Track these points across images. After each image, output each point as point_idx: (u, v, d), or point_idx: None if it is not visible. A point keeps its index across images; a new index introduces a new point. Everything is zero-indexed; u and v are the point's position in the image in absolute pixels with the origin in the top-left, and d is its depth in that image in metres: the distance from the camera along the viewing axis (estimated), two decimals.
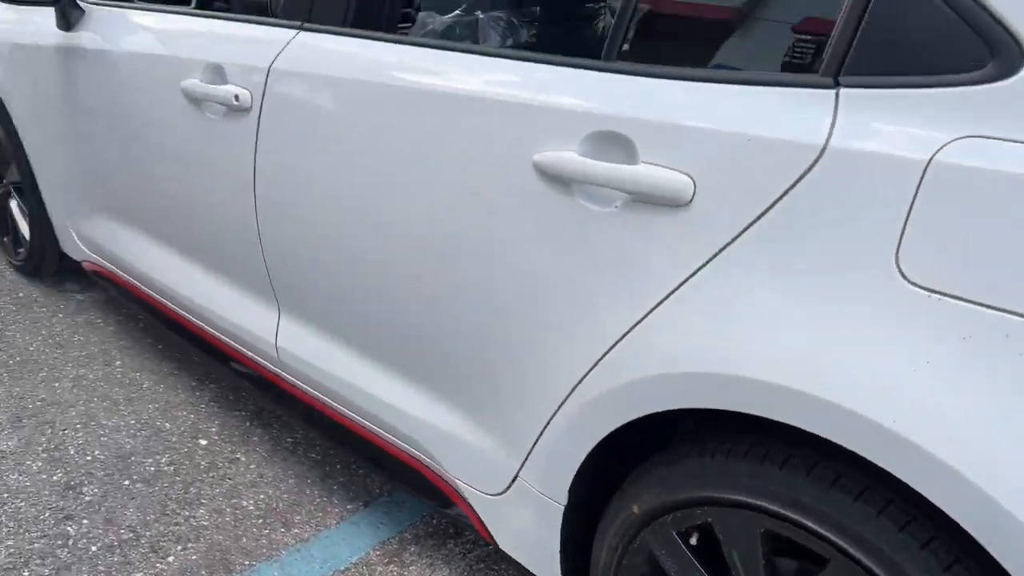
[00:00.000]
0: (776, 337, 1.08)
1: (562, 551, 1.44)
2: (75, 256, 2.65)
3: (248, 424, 2.29)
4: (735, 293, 1.12)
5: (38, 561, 1.80)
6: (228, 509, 1.97)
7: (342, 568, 1.82)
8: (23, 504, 1.95)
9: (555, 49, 1.38)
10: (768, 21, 1.50)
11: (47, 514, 1.93)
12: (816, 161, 1.05)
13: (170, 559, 1.82)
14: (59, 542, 1.85)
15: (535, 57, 1.38)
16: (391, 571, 1.82)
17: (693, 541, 1.24)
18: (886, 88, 1.02)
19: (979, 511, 0.91)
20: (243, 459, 2.15)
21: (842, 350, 1.03)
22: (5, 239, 3.02)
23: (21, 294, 2.91)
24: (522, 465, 1.47)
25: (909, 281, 0.98)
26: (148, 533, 1.89)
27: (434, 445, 1.63)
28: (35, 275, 2.97)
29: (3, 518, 1.90)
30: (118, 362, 2.55)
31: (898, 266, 0.99)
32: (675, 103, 1.18)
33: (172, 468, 2.10)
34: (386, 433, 1.74)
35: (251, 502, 2.00)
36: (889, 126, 1.01)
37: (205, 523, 1.93)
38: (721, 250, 1.13)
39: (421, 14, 1.83)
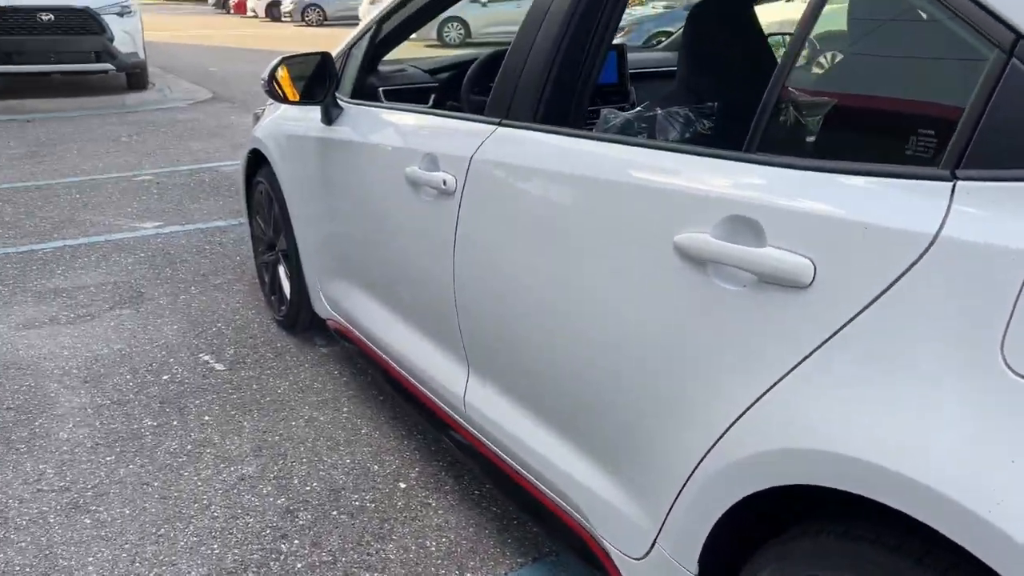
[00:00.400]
0: (885, 420, 1.09)
1: None
2: (321, 314, 3.08)
3: (443, 473, 2.51)
4: (849, 374, 1.15)
5: (255, 569, 2.10)
6: (414, 547, 2.19)
7: None
8: (251, 520, 2.30)
9: (725, 141, 1.49)
10: (899, 115, 1.50)
11: (268, 532, 2.25)
12: (927, 250, 1.07)
13: None
14: (273, 556, 2.16)
15: (687, 148, 1.50)
16: None
17: None
18: (1002, 181, 1.03)
19: None
20: (433, 504, 2.37)
21: (946, 436, 1.02)
22: (272, 298, 3.56)
23: (279, 344, 3.41)
24: (659, 532, 1.53)
25: (1013, 371, 0.97)
26: (344, 559, 2.14)
27: (590, 506, 1.73)
28: (291, 329, 3.47)
29: (235, 530, 2.25)
30: (345, 409, 2.91)
31: (1003, 355, 0.98)
32: (801, 191, 1.25)
33: (373, 505, 2.36)
34: (550, 492, 1.86)
35: (434, 544, 2.20)
36: (1001, 218, 1.02)
37: (392, 557, 2.15)
38: (836, 332, 1.17)
39: (604, 110, 2.01)
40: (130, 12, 9.70)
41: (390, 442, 2.69)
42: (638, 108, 2.01)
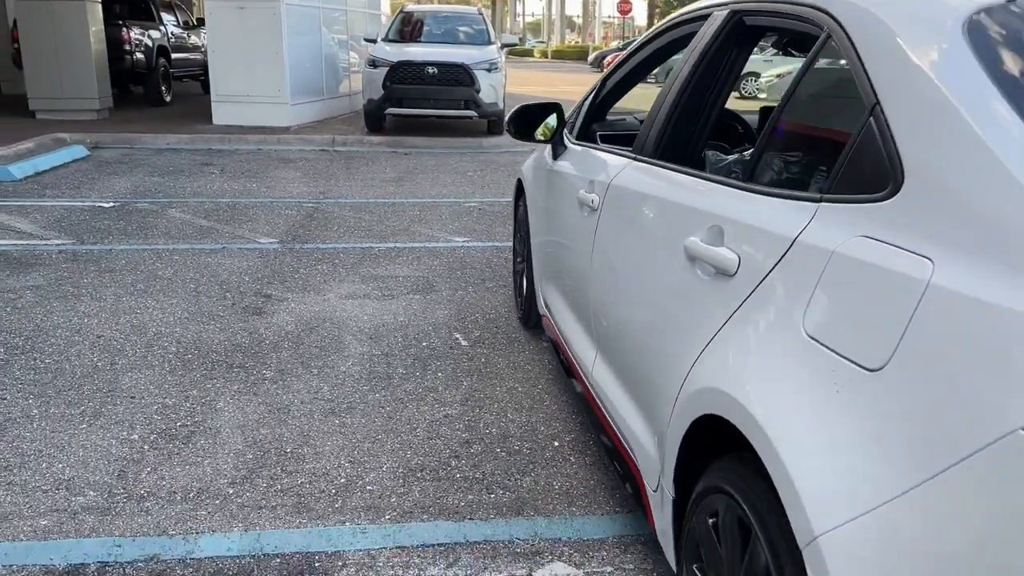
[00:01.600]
0: (740, 365, 1.55)
1: (675, 536, 1.94)
2: (540, 311, 3.82)
3: (590, 442, 3.09)
4: (737, 336, 1.61)
5: (430, 470, 2.88)
6: (543, 483, 2.81)
7: (587, 539, 2.50)
8: (439, 443, 3.08)
9: (797, 182, 1.93)
10: (810, 154, 1.85)
11: (447, 451, 3.02)
12: (788, 250, 1.51)
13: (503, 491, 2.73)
14: (443, 466, 2.92)
15: (716, 179, 1.99)
16: (613, 555, 2.43)
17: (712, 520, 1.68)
18: (843, 203, 1.45)
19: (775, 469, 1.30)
20: (573, 460, 2.97)
21: (763, 374, 1.46)
22: (518, 299, 4.39)
23: (513, 335, 4.21)
24: (661, 467, 2.01)
25: (807, 334, 1.39)
26: (489, 479, 2.83)
27: (639, 452, 2.24)
28: (525, 324, 4.25)
29: (426, 446, 3.05)
30: (539, 385, 3.60)
31: (804, 323, 1.41)
32: (742, 208, 1.72)
33: (528, 451, 3.02)
34: (625, 443, 2.39)
35: (559, 484, 2.80)
36: (830, 228, 1.44)
37: (524, 485, 2.79)
38: (738, 307, 1.63)
39: (709, 152, 2.50)
40: (496, 68, 11.43)
41: (561, 413, 3.33)
42: (739, 150, 2.48)
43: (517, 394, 3.52)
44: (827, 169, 1.68)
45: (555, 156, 3.48)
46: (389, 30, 12.51)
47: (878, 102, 1.43)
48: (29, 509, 2.58)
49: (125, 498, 2.66)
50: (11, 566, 2.30)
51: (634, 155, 2.56)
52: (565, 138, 3.47)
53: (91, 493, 2.68)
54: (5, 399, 3.34)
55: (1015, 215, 1.11)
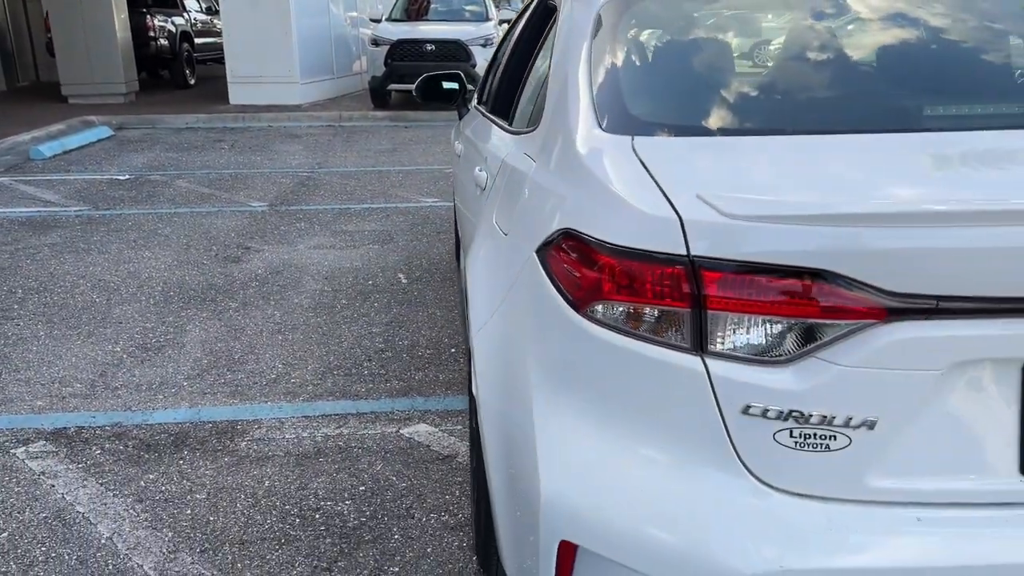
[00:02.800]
0: (474, 249, 2.24)
1: None
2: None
3: None
4: (479, 229, 2.30)
5: (346, 366, 3.61)
6: (434, 375, 3.52)
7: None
8: (360, 350, 3.81)
9: (517, 123, 2.61)
10: (527, 104, 2.51)
11: (364, 357, 3.75)
12: (499, 166, 2.19)
13: None
14: (359, 362, 3.65)
15: (497, 124, 2.66)
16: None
17: None
18: (523, 134, 2.13)
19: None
20: (461, 362, 3.67)
21: (478, 253, 2.15)
22: (457, 247, 5.09)
23: (448, 276, 4.91)
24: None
25: (495, 220, 2.08)
26: (390, 374, 3.55)
27: None
28: (460, 267, 4.96)
29: (352, 348, 3.78)
30: (456, 310, 4.31)
31: (494, 213, 2.09)
32: (493, 143, 2.40)
33: (429, 358, 3.74)
34: None
35: (446, 375, 3.51)
36: (517, 150, 2.12)
37: (416, 379, 3.51)
38: (482, 210, 2.32)
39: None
40: (492, 43, 12.04)
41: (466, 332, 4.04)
42: None
43: (435, 317, 4.23)
44: (526, 114, 2.35)
45: (460, 116, 4.16)
46: (393, 9, 13.18)
47: (527, 71, 2.10)
48: (29, 395, 3.37)
49: (103, 388, 3.44)
50: (13, 429, 3.09)
51: (483, 110, 3.23)
52: (470, 103, 4.14)
53: (77, 385, 3.46)
54: (19, 324, 4.15)
55: (565, 144, 1.77)
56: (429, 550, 2.41)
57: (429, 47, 11.73)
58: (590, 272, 1.44)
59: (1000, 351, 1.29)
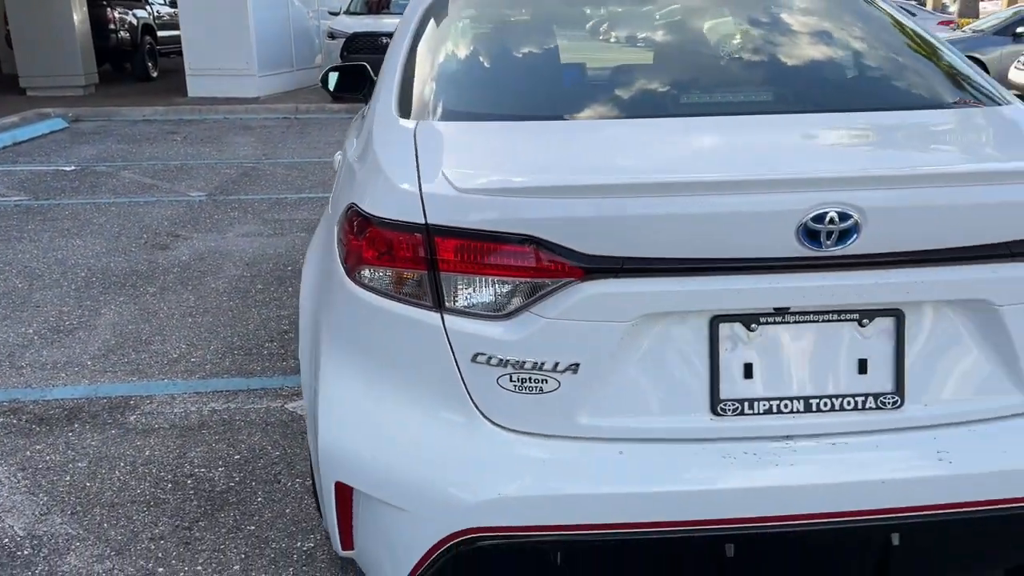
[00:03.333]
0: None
1: None
2: None
3: None
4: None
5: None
6: None
7: None
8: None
9: None
10: None
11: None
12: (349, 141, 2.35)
13: None
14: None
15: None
16: None
17: None
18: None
19: None
20: None
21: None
22: None
23: None
24: None
25: (331, 198, 2.24)
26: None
27: None
28: None
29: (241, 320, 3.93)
30: None
31: (335, 184, 2.25)
32: (353, 127, 2.55)
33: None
34: None
35: None
36: (369, 120, 2.28)
37: None
38: (334, 182, 2.48)
39: None
40: None
41: None
42: None
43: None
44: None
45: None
46: (352, 2, 13.28)
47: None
48: None
49: (8, 367, 3.58)
50: None
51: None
52: None
53: None
54: None
55: (368, 127, 1.94)
56: (288, 511, 2.58)
57: (385, 40, 11.83)
58: (357, 241, 1.61)
59: (686, 305, 1.47)
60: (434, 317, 1.52)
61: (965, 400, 1.56)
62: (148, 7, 15.64)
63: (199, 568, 2.33)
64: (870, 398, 1.54)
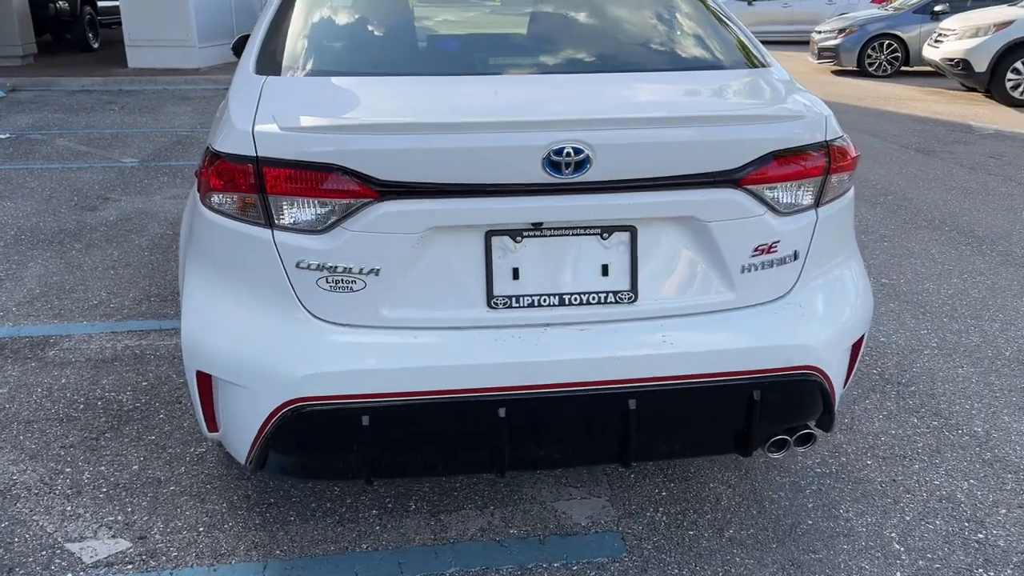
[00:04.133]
0: None
1: None
2: None
3: None
4: None
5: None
6: None
7: None
8: None
9: None
10: None
11: None
12: None
13: None
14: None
15: None
16: None
17: None
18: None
19: None
20: None
21: None
22: None
23: None
24: None
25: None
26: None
27: None
28: None
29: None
30: None
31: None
32: None
33: None
34: None
35: None
36: None
37: None
38: None
39: None
40: None
41: None
42: None
43: None
44: None
45: None
46: None
47: None
48: None
49: None
50: None
51: None
52: None
53: None
54: None
55: (233, 80, 2.29)
56: (185, 424, 2.96)
57: None
58: (207, 172, 1.98)
59: (464, 220, 1.87)
60: (265, 232, 1.91)
61: (687, 297, 2.00)
62: None
63: (103, 468, 2.70)
64: (611, 295, 1.96)
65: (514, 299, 1.94)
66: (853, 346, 2.21)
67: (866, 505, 2.53)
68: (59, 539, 2.36)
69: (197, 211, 2.06)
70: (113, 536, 2.38)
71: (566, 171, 1.85)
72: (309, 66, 2.24)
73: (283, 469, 2.05)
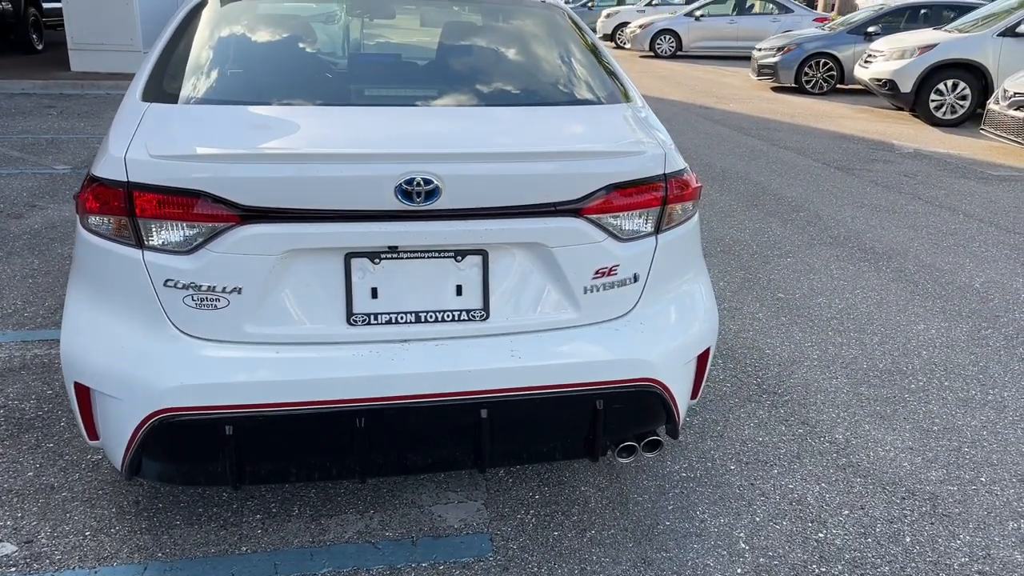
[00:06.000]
0: None
1: None
2: None
3: None
4: None
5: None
6: None
7: None
8: None
9: None
10: None
11: None
12: None
13: None
14: None
15: None
16: None
17: None
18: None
19: None
20: None
21: None
22: None
23: None
24: None
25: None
26: None
27: None
28: None
29: None
30: None
31: None
32: None
33: None
34: None
35: None
36: None
37: None
38: None
39: None
40: None
41: None
42: None
43: None
44: None
45: None
46: None
47: None
48: None
49: None
50: None
51: None
52: None
53: None
54: None
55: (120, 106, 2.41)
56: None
57: None
58: (84, 195, 2.10)
59: (322, 243, 2.02)
60: (136, 253, 2.03)
61: (535, 315, 2.17)
62: None
63: None
64: (464, 313, 2.12)
65: (373, 316, 2.09)
66: (699, 358, 2.40)
67: (722, 507, 2.72)
68: None
69: (77, 231, 2.18)
70: (0, 540, 2.47)
71: (417, 199, 2.01)
72: (190, 94, 2.37)
73: (156, 475, 2.17)
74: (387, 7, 3.02)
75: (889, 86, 11.13)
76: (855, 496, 2.81)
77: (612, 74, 2.71)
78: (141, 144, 2.05)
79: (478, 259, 2.12)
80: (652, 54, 20.66)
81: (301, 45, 2.71)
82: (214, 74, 2.48)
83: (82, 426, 2.23)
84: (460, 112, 2.35)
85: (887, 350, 3.98)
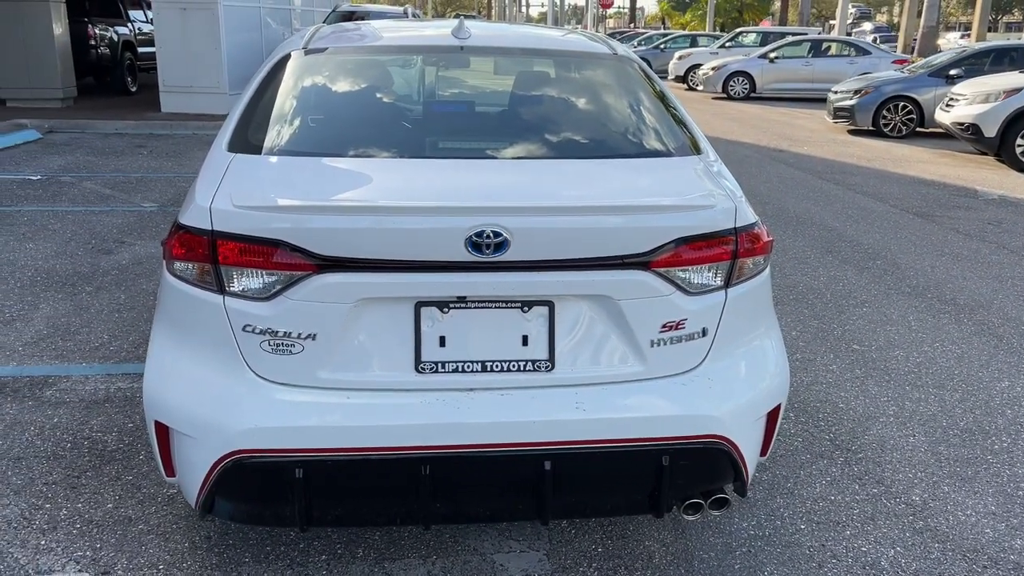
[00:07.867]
0: None
1: None
2: None
3: None
4: None
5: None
6: None
7: None
8: None
9: None
10: None
11: None
12: None
13: None
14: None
15: None
16: None
17: None
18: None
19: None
20: None
21: None
22: None
23: None
24: None
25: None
26: None
27: None
28: None
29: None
30: None
31: None
32: None
33: None
34: None
35: None
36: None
37: None
38: None
39: None
40: None
41: None
42: None
43: None
44: None
45: None
46: (328, 18, 13.94)
47: None
48: None
49: None
50: None
51: None
52: None
53: None
54: None
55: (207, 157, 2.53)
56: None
57: None
58: (171, 242, 2.20)
59: (393, 293, 2.07)
60: (217, 298, 2.12)
61: (600, 367, 2.17)
62: (130, 24, 16.28)
63: (80, 505, 2.90)
64: (529, 363, 2.14)
65: (440, 365, 2.12)
66: (768, 415, 2.36)
67: (791, 568, 2.65)
68: (30, 571, 2.55)
69: (163, 275, 2.28)
70: (80, 570, 2.56)
71: (487, 251, 2.04)
72: (274, 146, 2.47)
73: (228, 514, 2.23)
74: (463, 56, 3.10)
75: (972, 130, 10.83)
76: (933, 562, 2.70)
77: (683, 125, 2.72)
78: (226, 194, 2.14)
79: (544, 310, 2.14)
80: (725, 96, 20.55)
81: (379, 95, 2.80)
82: (295, 126, 2.58)
83: (160, 463, 2.31)
84: (530, 165, 2.39)
85: (968, 407, 3.83)
